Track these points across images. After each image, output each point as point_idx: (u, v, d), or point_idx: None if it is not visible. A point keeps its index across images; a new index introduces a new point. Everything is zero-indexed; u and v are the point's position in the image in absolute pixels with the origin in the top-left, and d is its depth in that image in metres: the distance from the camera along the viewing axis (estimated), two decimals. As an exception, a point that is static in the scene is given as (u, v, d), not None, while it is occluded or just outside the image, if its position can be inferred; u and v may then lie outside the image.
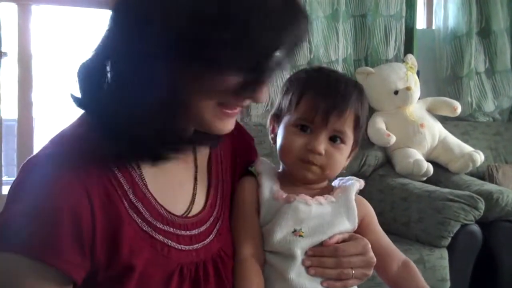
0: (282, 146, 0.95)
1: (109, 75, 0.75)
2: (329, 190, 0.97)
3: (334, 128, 0.92)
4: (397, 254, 0.97)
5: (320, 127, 0.92)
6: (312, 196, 0.93)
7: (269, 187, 0.94)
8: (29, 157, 0.77)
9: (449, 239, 2.35)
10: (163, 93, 0.72)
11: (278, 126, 0.98)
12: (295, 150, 0.92)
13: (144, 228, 0.79)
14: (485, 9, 3.30)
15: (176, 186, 0.86)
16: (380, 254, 0.92)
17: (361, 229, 0.95)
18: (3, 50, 2.54)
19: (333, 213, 0.92)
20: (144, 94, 0.72)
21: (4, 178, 2.61)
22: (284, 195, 0.92)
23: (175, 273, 0.79)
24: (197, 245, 0.84)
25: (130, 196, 0.78)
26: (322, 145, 0.91)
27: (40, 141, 2.61)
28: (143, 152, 0.78)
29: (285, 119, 0.96)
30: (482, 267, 2.45)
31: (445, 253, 2.34)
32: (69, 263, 0.71)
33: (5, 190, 2.55)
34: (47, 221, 0.70)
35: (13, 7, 2.56)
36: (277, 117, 0.99)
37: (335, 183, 1.00)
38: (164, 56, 0.70)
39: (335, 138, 0.93)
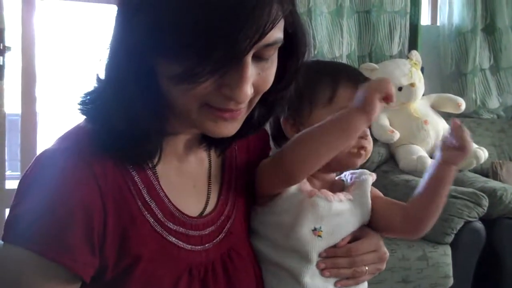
0: None
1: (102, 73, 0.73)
2: (340, 184, 0.96)
3: None
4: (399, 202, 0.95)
5: None
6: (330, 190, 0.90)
7: None
8: (43, 150, 0.75)
9: (453, 236, 2.34)
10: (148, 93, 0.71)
11: (300, 125, 0.92)
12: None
13: (157, 229, 0.77)
14: (490, 5, 3.28)
15: (189, 186, 0.84)
16: (386, 207, 0.92)
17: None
18: (7, 44, 2.54)
19: (350, 212, 0.90)
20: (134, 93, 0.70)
21: (8, 172, 2.62)
22: (309, 188, 0.89)
23: (184, 274, 0.78)
24: (207, 245, 0.82)
25: (145, 195, 0.77)
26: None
27: (44, 136, 2.61)
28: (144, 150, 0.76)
29: (320, 113, 0.90)
30: (485, 264, 2.44)
31: (448, 250, 2.33)
32: (78, 262, 0.70)
33: (8, 184, 2.55)
34: (58, 218, 0.69)
35: (17, 1, 2.56)
36: (297, 117, 0.93)
37: (346, 177, 0.97)
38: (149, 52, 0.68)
39: None
